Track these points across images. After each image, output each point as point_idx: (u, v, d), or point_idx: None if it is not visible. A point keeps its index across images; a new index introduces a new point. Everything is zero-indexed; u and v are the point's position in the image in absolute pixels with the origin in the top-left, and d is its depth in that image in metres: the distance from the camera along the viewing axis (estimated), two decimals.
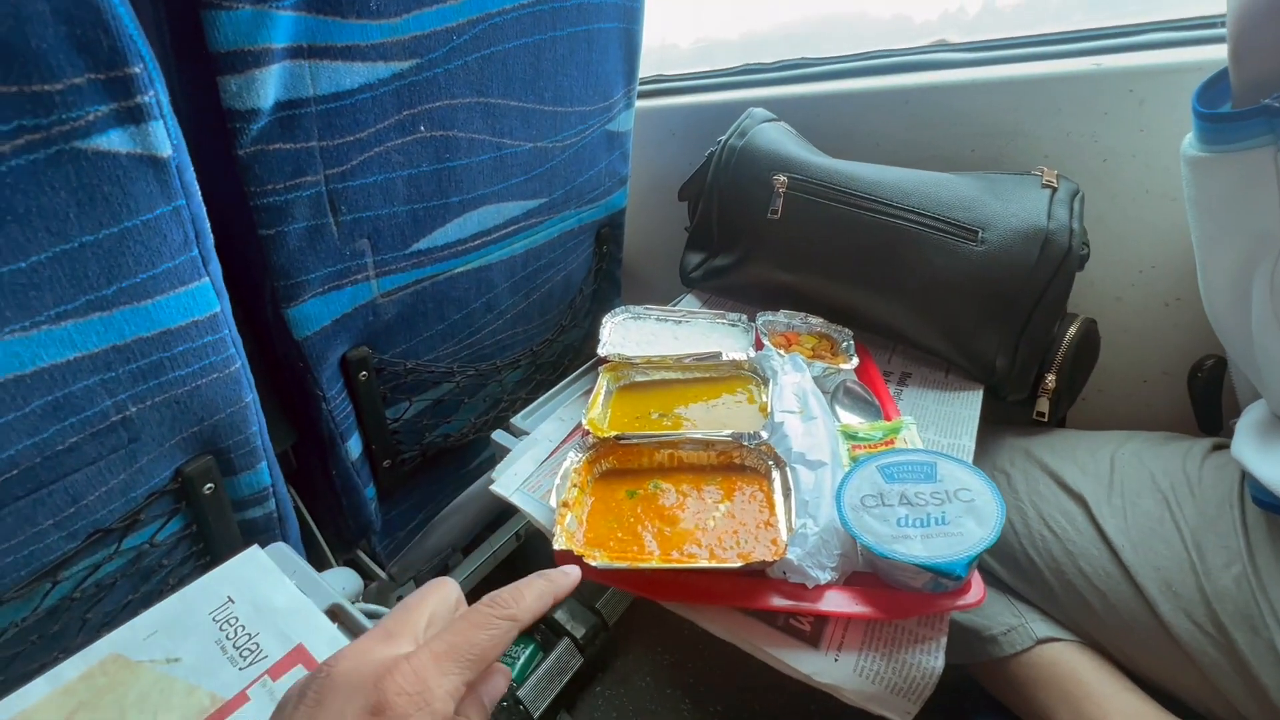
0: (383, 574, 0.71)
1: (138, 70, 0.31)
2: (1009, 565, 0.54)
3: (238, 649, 0.33)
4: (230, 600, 0.35)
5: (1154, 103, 0.58)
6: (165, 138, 0.34)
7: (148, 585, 0.48)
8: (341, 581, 0.49)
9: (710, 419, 0.49)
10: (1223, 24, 0.39)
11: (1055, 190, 0.57)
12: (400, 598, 0.76)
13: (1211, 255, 0.46)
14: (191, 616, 0.34)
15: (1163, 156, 0.59)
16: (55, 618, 0.42)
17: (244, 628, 0.33)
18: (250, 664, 0.32)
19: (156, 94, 0.33)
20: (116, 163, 0.33)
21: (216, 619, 0.34)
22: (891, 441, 0.47)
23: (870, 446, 0.47)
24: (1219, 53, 0.41)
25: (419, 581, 0.79)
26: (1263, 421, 0.48)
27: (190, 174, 0.37)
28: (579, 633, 0.94)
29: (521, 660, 0.87)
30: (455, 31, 0.52)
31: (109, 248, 0.34)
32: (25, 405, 0.34)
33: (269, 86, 0.42)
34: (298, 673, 0.31)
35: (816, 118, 0.74)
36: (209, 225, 0.40)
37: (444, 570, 0.86)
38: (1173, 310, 0.64)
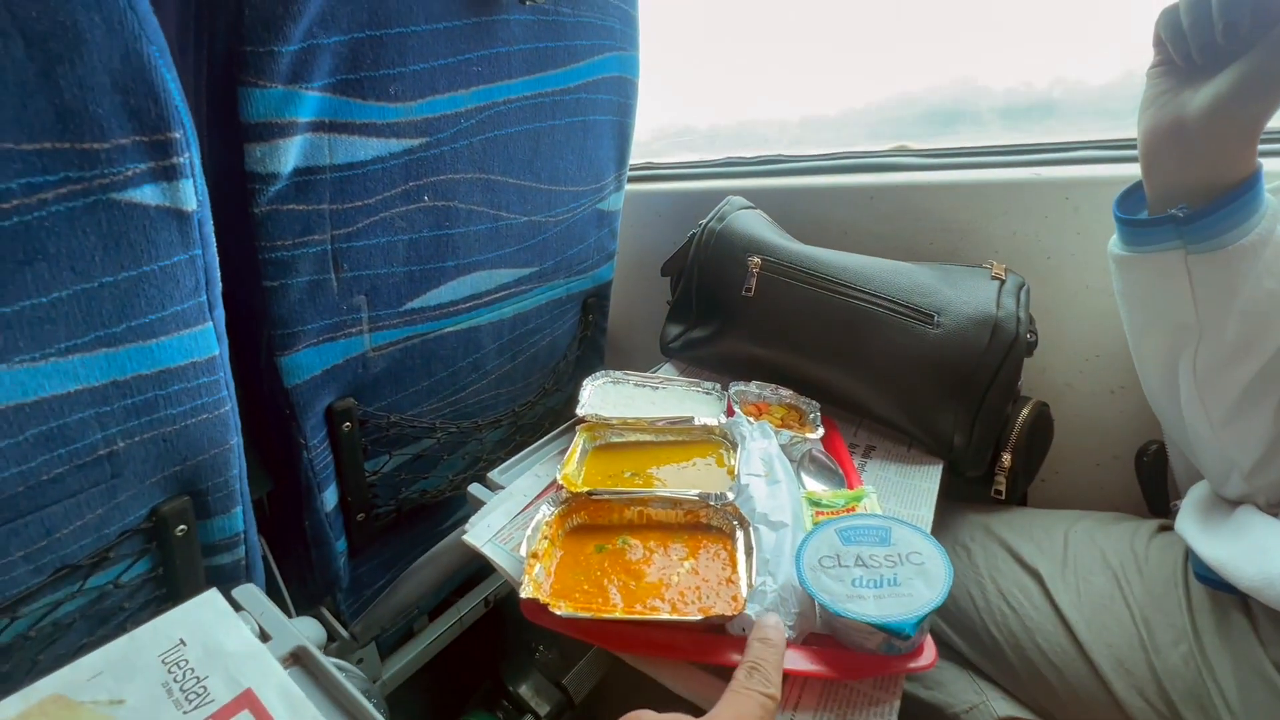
0: (345, 633, 0.69)
1: (178, 135, 0.35)
2: (970, 640, 0.55)
3: (184, 692, 0.32)
4: (182, 643, 0.34)
5: (1087, 210, 0.64)
6: (192, 194, 0.38)
7: (105, 629, 0.47)
8: (307, 630, 0.48)
9: (680, 480, 0.51)
10: None
11: (1003, 282, 0.62)
12: (361, 660, 0.74)
13: (1141, 344, 0.51)
14: (140, 657, 0.33)
15: (1098, 257, 0.65)
16: (7, 657, 0.41)
17: (193, 671, 0.33)
18: (195, 708, 0.31)
19: (191, 156, 0.37)
20: (145, 214, 0.36)
21: (165, 661, 0.33)
22: (853, 509, 0.49)
23: (833, 513, 0.49)
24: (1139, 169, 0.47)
25: (381, 643, 0.76)
26: (1204, 500, 0.51)
27: (209, 227, 0.41)
28: (543, 710, 0.90)
29: None
30: (463, 116, 0.58)
31: (125, 288, 0.37)
32: (20, 434, 0.36)
33: (290, 154, 0.46)
34: (244, 718, 0.31)
35: (790, 208, 0.81)
36: (219, 274, 0.43)
37: (409, 634, 0.84)
38: (1118, 397, 0.68)
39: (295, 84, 0.45)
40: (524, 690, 1.00)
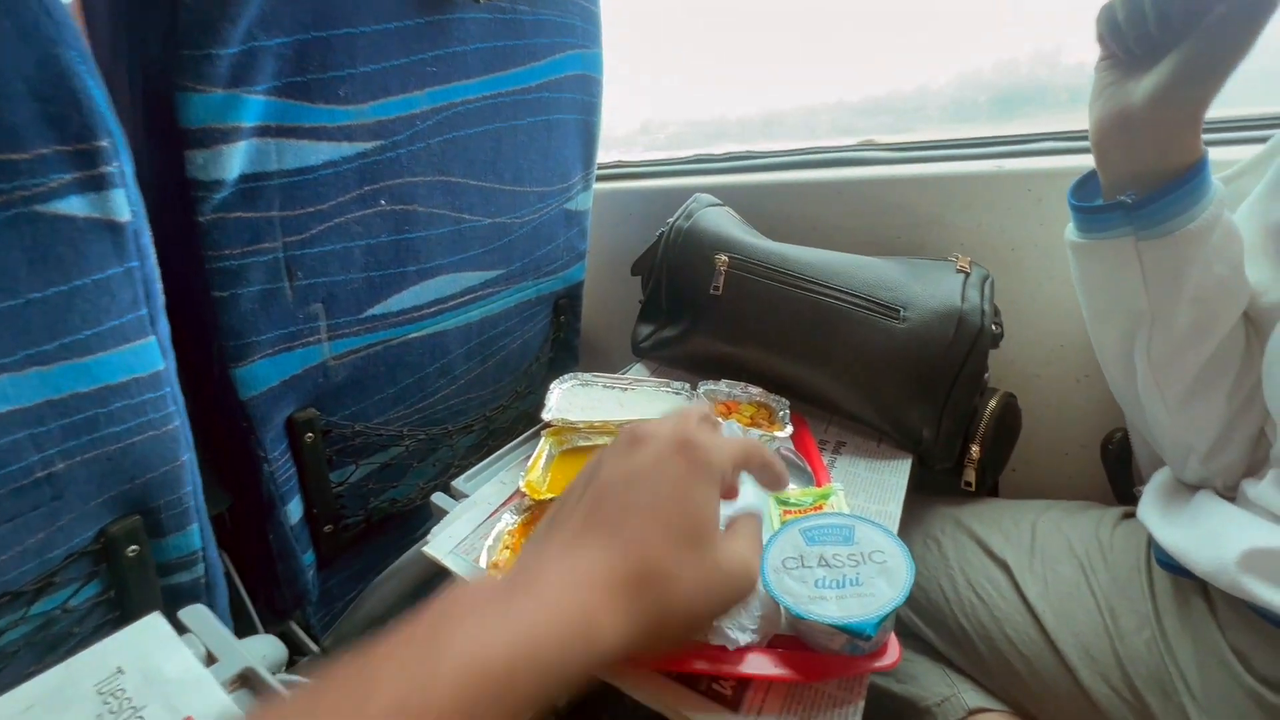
0: (315, 648, 0.68)
1: (105, 144, 0.34)
2: (942, 633, 0.55)
3: None
4: (120, 671, 0.32)
5: (1049, 201, 0.65)
6: (125, 204, 0.36)
7: (53, 655, 0.45)
8: (264, 649, 0.47)
9: None
10: None
11: (968, 275, 0.62)
12: None
13: (1099, 330, 0.51)
14: (74, 688, 0.32)
15: (1060, 248, 0.64)
16: None
17: (130, 700, 0.31)
18: None
19: (121, 165, 0.35)
20: (73, 225, 0.34)
21: (101, 691, 0.32)
22: (820, 507, 0.48)
23: (800, 511, 0.48)
24: None
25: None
26: (1165, 485, 0.52)
27: (147, 237, 0.39)
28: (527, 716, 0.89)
29: None
30: (419, 118, 0.57)
31: (56, 305, 0.35)
32: None
33: (234, 160, 0.45)
34: None
35: (759, 204, 0.81)
36: (160, 286, 0.41)
37: None
38: (1084, 386, 0.69)
39: (237, 88, 0.43)
40: None
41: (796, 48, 0.91)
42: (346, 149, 0.52)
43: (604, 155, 0.97)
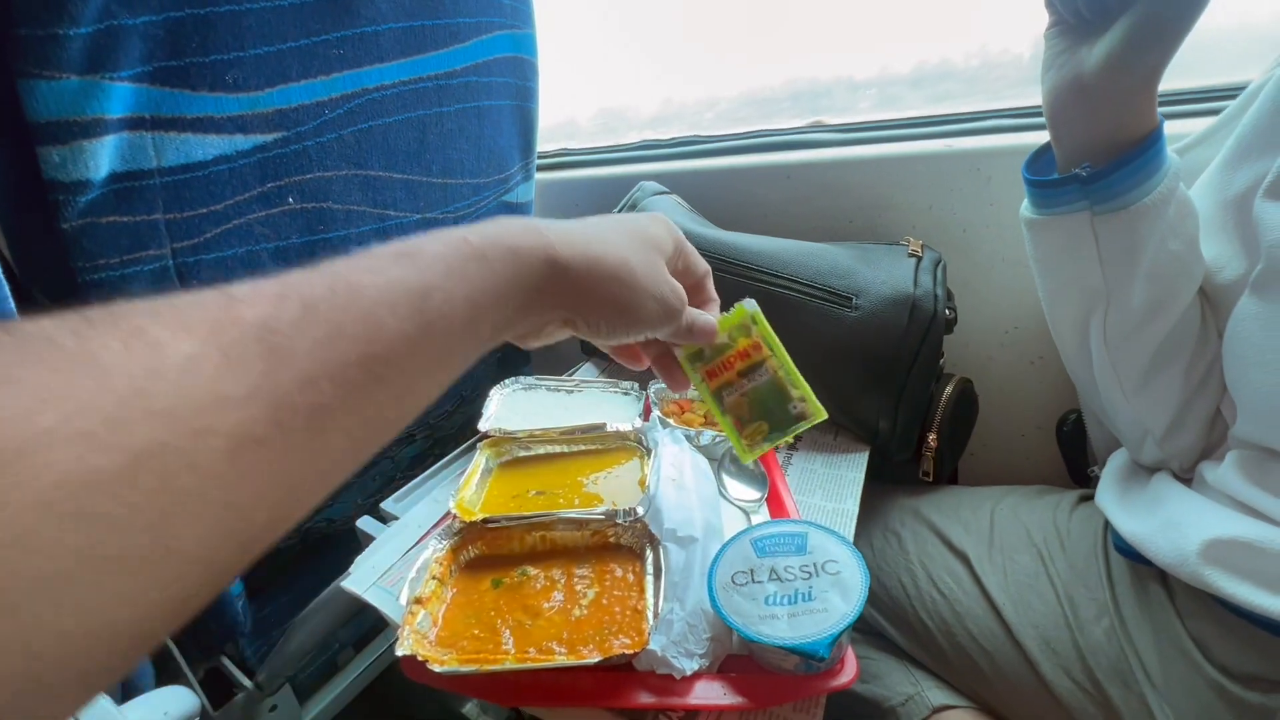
0: (249, 683, 0.63)
1: None
2: (904, 629, 0.54)
3: None
4: None
5: (999, 180, 0.63)
6: None
7: None
8: (167, 704, 0.42)
9: (594, 494, 0.47)
10: None
11: (920, 259, 0.60)
12: (275, 708, 0.68)
13: (1054, 309, 0.49)
14: None
15: (1012, 228, 0.64)
16: None
17: None
18: None
19: None
20: None
21: None
22: (744, 349, 0.40)
23: (719, 362, 0.40)
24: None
25: (297, 687, 0.70)
26: (1122, 469, 0.51)
27: None
28: None
29: None
30: (327, 106, 0.51)
31: None
32: None
33: (101, 157, 0.39)
34: None
35: (708, 191, 0.77)
36: (13, 304, 0.36)
37: (332, 670, 0.78)
38: (1038, 368, 0.68)
39: (95, 74, 0.38)
40: (469, 710, 0.96)
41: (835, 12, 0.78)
42: (241, 142, 0.46)
43: (627, 139, 0.91)
